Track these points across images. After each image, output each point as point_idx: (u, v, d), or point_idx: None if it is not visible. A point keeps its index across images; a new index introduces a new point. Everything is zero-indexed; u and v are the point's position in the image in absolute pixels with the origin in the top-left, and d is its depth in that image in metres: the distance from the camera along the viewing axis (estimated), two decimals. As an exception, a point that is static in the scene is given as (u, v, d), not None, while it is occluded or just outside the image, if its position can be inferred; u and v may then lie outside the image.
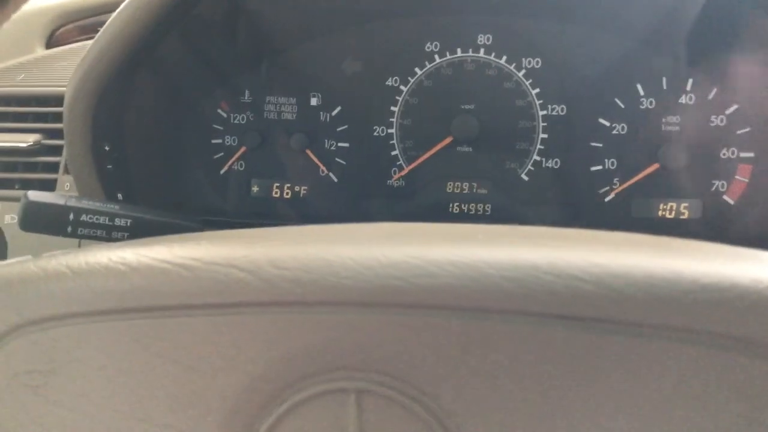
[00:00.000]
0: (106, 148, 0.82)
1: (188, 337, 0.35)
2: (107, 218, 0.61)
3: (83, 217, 0.60)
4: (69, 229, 0.59)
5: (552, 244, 0.38)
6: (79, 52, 0.83)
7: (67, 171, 0.93)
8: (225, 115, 0.98)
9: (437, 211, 0.94)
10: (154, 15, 0.74)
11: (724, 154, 0.88)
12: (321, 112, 0.97)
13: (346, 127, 0.96)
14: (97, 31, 0.76)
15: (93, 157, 0.80)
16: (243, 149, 0.97)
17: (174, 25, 0.80)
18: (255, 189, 0.98)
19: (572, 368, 0.34)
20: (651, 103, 0.89)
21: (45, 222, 0.58)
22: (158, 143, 0.95)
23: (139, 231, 0.62)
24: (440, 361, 0.34)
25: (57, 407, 0.37)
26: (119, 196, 0.84)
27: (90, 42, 0.77)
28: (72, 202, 0.59)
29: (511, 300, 0.34)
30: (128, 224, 0.62)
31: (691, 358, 0.34)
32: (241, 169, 0.98)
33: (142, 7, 0.73)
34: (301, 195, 0.98)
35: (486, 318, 0.34)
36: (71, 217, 0.59)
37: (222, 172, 0.99)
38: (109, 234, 0.61)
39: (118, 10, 0.74)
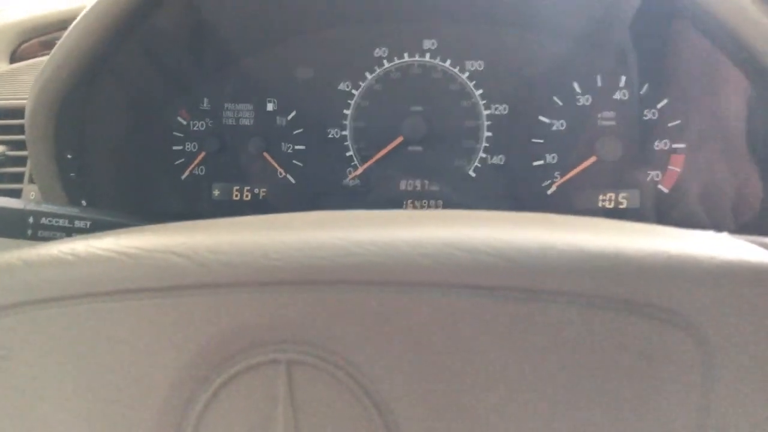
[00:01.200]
0: (69, 157, 0.85)
1: (132, 320, 0.38)
2: (67, 221, 0.64)
3: (43, 220, 0.62)
4: (29, 232, 0.62)
5: (465, 224, 0.43)
6: (42, 66, 0.85)
7: (32, 180, 0.96)
8: (185, 122, 1.02)
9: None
10: (109, 26, 0.76)
11: (657, 146, 0.93)
12: (277, 117, 1.00)
13: (301, 130, 1.00)
14: (59, 46, 0.79)
15: (56, 165, 0.82)
16: (203, 154, 1.00)
17: (130, 36, 0.82)
18: (216, 192, 1.02)
19: (480, 333, 0.38)
20: (587, 99, 0.94)
21: (4, 226, 0.61)
22: (120, 151, 0.98)
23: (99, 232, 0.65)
24: (363, 331, 0.38)
25: (11, 391, 0.40)
26: (83, 203, 0.87)
27: (50, 55, 0.79)
28: (31, 206, 0.62)
29: (425, 273, 0.38)
30: (88, 226, 0.65)
31: (585, 320, 0.38)
32: (202, 173, 1.02)
33: (97, 19, 0.76)
34: (261, 197, 1.01)
35: (404, 291, 0.38)
36: (31, 220, 0.62)
37: (183, 177, 1.02)
38: (69, 236, 0.64)
39: (74, 23, 0.77)
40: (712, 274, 0.38)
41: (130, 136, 0.99)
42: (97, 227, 0.66)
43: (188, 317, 0.38)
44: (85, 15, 0.76)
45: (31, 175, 0.95)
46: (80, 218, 0.65)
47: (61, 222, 0.64)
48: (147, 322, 0.38)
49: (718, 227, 0.44)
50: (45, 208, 0.64)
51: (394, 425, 0.38)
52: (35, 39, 1.26)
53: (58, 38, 0.79)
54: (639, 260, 0.38)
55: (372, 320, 0.38)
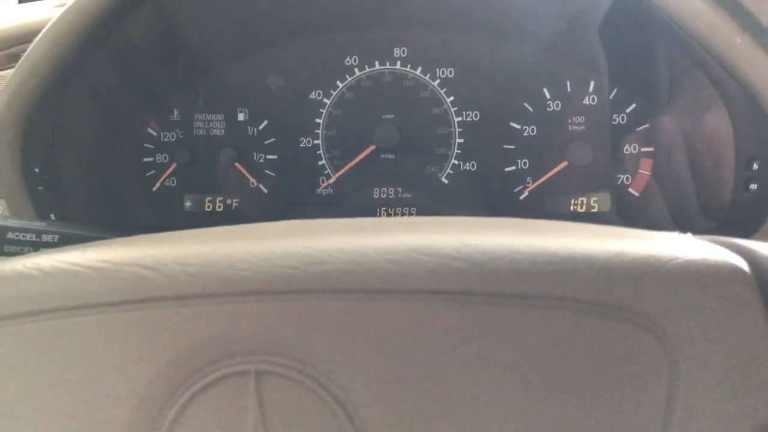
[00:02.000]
0: (37, 170, 0.84)
1: (100, 333, 0.38)
2: (34, 235, 0.63)
3: (9, 235, 0.61)
4: (-5, 247, 0.61)
5: (433, 230, 0.43)
6: (7, 79, 0.84)
7: (-1, 195, 0.95)
8: (155, 133, 1.01)
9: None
10: (77, 37, 0.76)
11: (627, 150, 0.94)
12: (249, 127, 1.00)
13: (273, 140, 1.00)
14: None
15: (23, 179, 0.81)
16: (174, 166, 1.00)
17: (99, 47, 0.82)
18: (188, 204, 1.01)
19: (449, 338, 0.38)
20: (557, 105, 0.95)
21: (-30, 241, 0.60)
22: (89, 163, 0.97)
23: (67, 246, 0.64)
24: (332, 340, 0.38)
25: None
26: (52, 216, 0.86)
27: (17, 68, 0.78)
28: (-3, 221, 0.61)
29: (393, 280, 0.38)
30: (56, 240, 0.64)
31: (551, 322, 0.38)
32: (173, 185, 1.01)
33: (64, 30, 0.75)
34: (234, 207, 1.01)
35: (371, 298, 0.38)
36: (-3, 235, 0.61)
37: (154, 189, 1.01)
38: (36, 251, 0.63)
39: (41, 34, 0.76)
40: (675, 274, 0.38)
41: (100, 149, 0.98)
42: (65, 241, 0.65)
43: (156, 330, 0.38)
44: (51, 26, 0.76)
45: (-2, 189, 0.94)
46: (48, 232, 0.64)
47: (28, 236, 0.63)
48: (115, 336, 0.38)
49: (687, 229, 0.45)
50: (11, 222, 0.62)
51: (363, 431, 0.38)
52: (1, 52, 1.24)
53: (24, 51, 0.78)
54: (603, 262, 0.38)
55: (340, 328, 0.38)
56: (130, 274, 0.38)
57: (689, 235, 0.44)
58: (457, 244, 0.39)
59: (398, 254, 0.39)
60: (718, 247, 0.40)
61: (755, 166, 0.77)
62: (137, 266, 0.38)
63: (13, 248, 0.62)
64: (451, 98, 0.97)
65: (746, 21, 0.65)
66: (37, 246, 0.63)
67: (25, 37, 1.20)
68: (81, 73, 0.83)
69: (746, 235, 0.75)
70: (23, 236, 0.63)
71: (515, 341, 0.38)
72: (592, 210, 0.95)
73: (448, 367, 0.38)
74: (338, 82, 0.99)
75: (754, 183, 0.78)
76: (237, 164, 0.99)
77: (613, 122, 0.94)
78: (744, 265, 0.39)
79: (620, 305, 0.38)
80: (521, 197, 0.96)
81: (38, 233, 0.64)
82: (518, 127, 0.96)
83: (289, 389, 0.38)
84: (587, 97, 0.95)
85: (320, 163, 1.00)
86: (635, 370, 0.38)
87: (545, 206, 0.96)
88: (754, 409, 0.38)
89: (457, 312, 0.38)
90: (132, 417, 0.38)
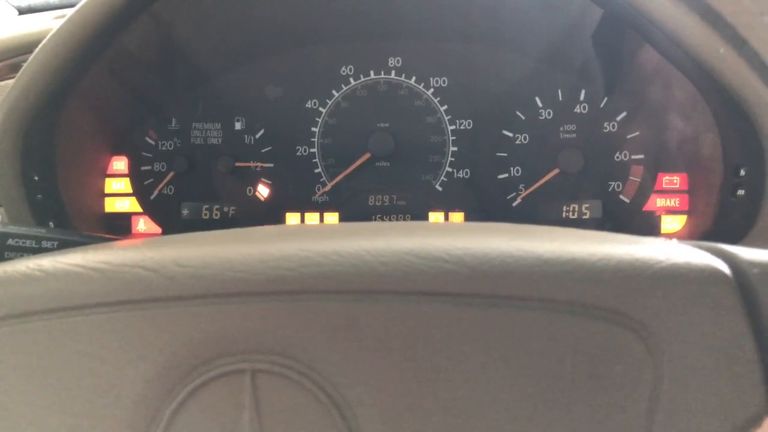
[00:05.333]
0: (36, 178, 0.85)
1: (100, 333, 0.39)
2: (34, 241, 0.64)
3: (9, 242, 0.62)
4: (-4, 253, 0.62)
5: (426, 234, 0.44)
6: (8, 89, 0.85)
7: (-2, 203, 0.95)
8: (153, 142, 1.02)
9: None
10: (76, 48, 0.77)
11: (617, 157, 0.96)
12: (246, 136, 1.02)
13: (270, 148, 1.01)
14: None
15: (23, 187, 0.82)
16: (171, 174, 1.01)
17: (98, 57, 0.83)
18: (185, 212, 1.02)
19: (441, 338, 0.39)
20: (549, 113, 0.97)
21: (-30, 248, 0.61)
22: (87, 172, 0.98)
23: (66, 252, 0.65)
24: (327, 340, 0.39)
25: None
26: (51, 224, 0.87)
27: (17, 78, 0.79)
28: (-2, 227, 0.62)
29: (386, 281, 0.39)
30: (55, 246, 0.65)
31: (540, 324, 0.39)
32: (171, 193, 1.02)
33: (64, 41, 0.76)
34: (230, 215, 1.02)
35: (366, 299, 0.39)
36: (-3, 241, 0.62)
37: (152, 197, 1.02)
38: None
39: (40, 45, 0.77)
40: (659, 277, 0.39)
41: (98, 157, 1.00)
42: (64, 247, 0.66)
43: (155, 329, 0.39)
44: (51, 37, 0.77)
45: (-3, 198, 0.94)
46: (47, 239, 0.65)
47: (28, 243, 0.64)
48: (115, 335, 0.39)
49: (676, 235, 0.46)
50: (11, 229, 0.63)
51: (357, 430, 0.39)
52: (2, 62, 1.25)
53: (24, 61, 0.79)
54: (590, 265, 0.39)
55: (336, 328, 0.39)
56: (130, 275, 0.39)
57: (674, 240, 0.45)
58: (449, 247, 0.40)
59: (392, 256, 0.40)
60: (701, 251, 0.42)
61: (742, 173, 0.78)
62: (137, 267, 0.39)
63: (13, 254, 0.63)
64: (445, 107, 0.99)
65: (728, 33, 0.66)
66: (37, 252, 0.64)
67: (26, 47, 1.21)
68: (80, 83, 0.84)
69: (735, 240, 0.76)
70: (23, 243, 0.64)
71: (504, 342, 0.39)
72: (584, 216, 0.97)
73: (440, 366, 0.39)
74: (334, 92, 1.01)
75: (741, 189, 0.79)
76: (234, 172, 1.00)
77: (604, 130, 0.96)
78: (725, 269, 0.40)
79: (606, 307, 0.39)
80: (514, 204, 0.98)
81: (38, 240, 0.65)
82: (511, 135, 0.98)
83: (285, 388, 0.39)
84: (578, 106, 0.96)
85: (316, 171, 1.01)
86: (620, 370, 0.39)
87: (538, 213, 0.97)
88: (735, 408, 0.39)
89: (448, 313, 0.39)
90: (130, 415, 0.39)
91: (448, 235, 0.43)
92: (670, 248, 0.42)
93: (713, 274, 0.40)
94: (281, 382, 0.39)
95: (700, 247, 0.43)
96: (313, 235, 0.44)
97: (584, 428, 0.39)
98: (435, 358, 0.39)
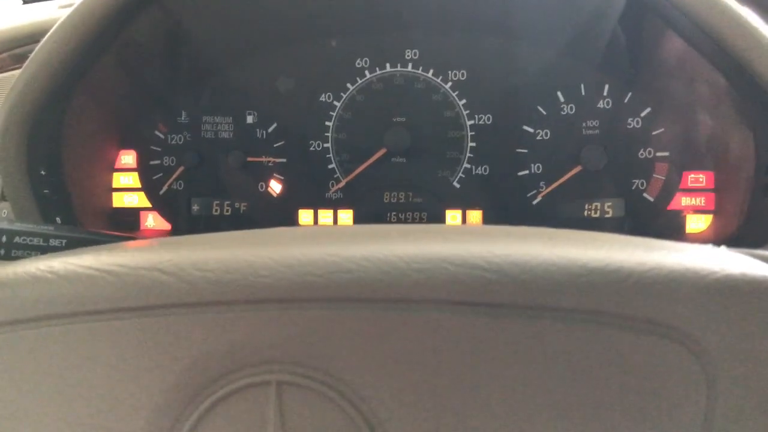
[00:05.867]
0: (43, 173, 0.83)
1: (115, 340, 0.37)
2: (41, 239, 0.61)
3: (17, 239, 0.60)
4: (2, 251, 0.59)
5: (460, 239, 0.41)
6: (13, 80, 0.83)
7: (4, 198, 0.93)
8: (162, 136, 0.99)
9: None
10: (83, 38, 0.74)
11: (641, 154, 0.93)
12: (257, 130, 0.99)
13: (282, 143, 0.98)
14: (31, 59, 0.76)
15: (29, 182, 0.80)
16: (181, 169, 0.98)
17: (106, 48, 0.81)
18: (195, 208, 0.99)
19: (477, 350, 0.37)
20: (571, 108, 0.94)
21: (-24, 246, 0.59)
22: (95, 166, 0.96)
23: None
24: (356, 350, 0.37)
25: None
26: (57, 220, 0.85)
27: (22, 69, 0.77)
28: (3, 225, 0.60)
29: (421, 289, 0.37)
30: (63, 244, 0.62)
31: (586, 337, 0.37)
32: (180, 188, 1.00)
33: (71, 32, 0.74)
34: (242, 211, 0.99)
35: (397, 308, 0.37)
36: (4, 239, 0.59)
37: (161, 192, 0.99)
38: (44, 254, 0.62)
39: (47, 35, 0.75)
40: (713, 289, 0.37)
41: (106, 152, 0.97)
42: (72, 245, 0.64)
43: (174, 337, 0.36)
44: (58, 27, 0.74)
45: (2, 193, 0.92)
46: (55, 236, 0.63)
47: (36, 241, 0.61)
48: (130, 343, 0.37)
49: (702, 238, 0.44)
50: (18, 226, 0.61)
51: None
52: (6, 53, 1.23)
53: (30, 52, 0.77)
54: (639, 275, 0.37)
55: (365, 339, 0.37)
56: (147, 279, 0.37)
57: (723, 247, 0.42)
58: (487, 254, 0.38)
59: (426, 263, 0.37)
60: (757, 261, 0.39)
61: (776, 172, 0.76)
62: (155, 271, 0.37)
63: (20, 252, 0.61)
64: (464, 101, 0.96)
65: (763, 18, 0.63)
66: (45, 250, 0.62)
67: (30, 38, 1.19)
68: (87, 75, 0.82)
69: (764, 243, 0.74)
70: (30, 240, 0.61)
71: (546, 355, 0.37)
72: (606, 215, 0.94)
73: (476, 380, 0.37)
74: (348, 85, 0.98)
75: (774, 189, 0.76)
76: (245, 167, 0.98)
77: (628, 126, 0.93)
78: None
79: (657, 320, 0.37)
80: (534, 202, 0.95)
81: (45, 237, 0.62)
82: (531, 130, 0.95)
83: (311, 401, 0.37)
84: (602, 101, 0.93)
85: (330, 166, 0.98)
86: (672, 387, 0.37)
87: (558, 211, 0.95)
88: None
89: (486, 324, 0.37)
90: (147, 426, 0.37)
91: (484, 241, 0.40)
92: (722, 258, 0.39)
93: None
94: (307, 395, 0.37)
95: (754, 256, 0.40)
96: (340, 239, 0.41)
97: None
98: (471, 373, 0.37)
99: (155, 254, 0.38)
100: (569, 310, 0.37)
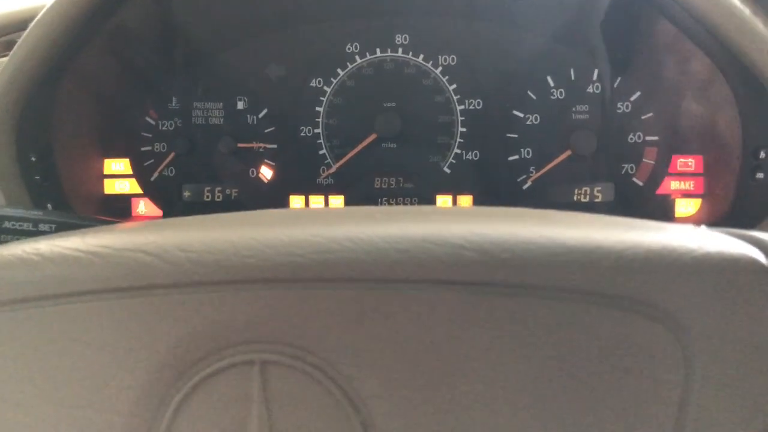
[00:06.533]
0: (33, 159, 0.83)
1: (101, 321, 0.37)
2: (31, 224, 0.62)
3: (6, 224, 0.60)
4: (-8, 236, 0.60)
5: (442, 219, 0.42)
6: (2, 67, 0.83)
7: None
8: (153, 122, 0.99)
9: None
10: (72, 24, 0.74)
11: (631, 139, 0.93)
12: (248, 115, 0.99)
13: (273, 128, 0.99)
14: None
15: (20, 168, 0.80)
16: (172, 155, 0.98)
17: (95, 34, 0.81)
18: (186, 194, 1.00)
19: (458, 329, 0.37)
20: (561, 93, 0.94)
21: (-34, 230, 0.59)
22: (86, 153, 0.96)
23: (64, 235, 0.63)
24: (339, 329, 0.37)
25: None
26: (49, 206, 0.85)
27: (12, 56, 0.77)
28: (-7, 210, 0.60)
29: (402, 269, 0.37)
30: (53, 229, 0.63)
31: (566, 314, 0.37)
32: (172, 174, 1.00)
33: (59, 18, 0.74)
34: (233, 197, 1.00)
35: (380, 287, 0.37)
36: (-7, 224, 0.60)
37: (152, 179, 1.00)
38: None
39: (34, 21, 0.75)
40: (691, 266, 0.37)
41: (97, 138, 0.97)
42: (62, 230, 0.64)
43: (159, 317, 0.37)
44: (45, 13, 0.74)
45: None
46: (45, 221, 0.63)
47: (25, 226, 0.62)
48: (116, 324, 0.37)
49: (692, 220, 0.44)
50: (7, 212, 0.61)
51: (371, 423, 0.37)
52: (-3, 39, 1.22)
53: (18, 39, 0.77)
54: (618, 253, 0.37)
55: (348, 318, 0.37)
56: (132, 260, 0.37)
57: (704, 227, 0.43)
58: (468, 234, 0.38)
59: (408, 243, 0.38)
60: (735, 240, 0.40)
61: (762, 155, 0.76)
62: (139, 252, 0.37)
63: (9, 237, 0.61)
64: (454, 86, 0.96)
65: (757, 6, 0.64)
66: (34, 235, 0.62)
67: (20, 24, 1.19)
68: (76, 61, 0.82)
69: (753, 224, 0.75)
70: (20, 225, 0.62)
71: (525, 333, 0.37)
72: (596, 200, 0.95)
73: (457, 357, 0.37)
74: (339, 70, 0.98)
75: (760, 172, 0.77)
76: (236, 153, 0.98)
77: (618, 111, 0.93)
78: (762, 258, 0.38)
79: (635, 298, 0.37)
80: (524, 187, 0.95)
81: (35, 222, 0.63)
82: (521, 115, 0.95)
83: (295, 380, 0.37)
84: (591, 86, 0.94)
85: (321, 152, 0.98)
86: (650, 364, 0.37)
87: (549, 196, 0.95)
88: None
89: (467, 302, 0.37)
90: (133, 406, 0.37)
91: (466, 221, 0.40)
92: (701, 236, 0.40)
93: (748, 264, 0.38)
94: (291, 374, 0.37)
95: (733, 235, 0.41)
96: (324, 220, 0.42)
97: (612, 422, 0.37)
98: (452, 350, 0.37)
99: (140, 236, 0.38)
100: (548, 288, 0.37)
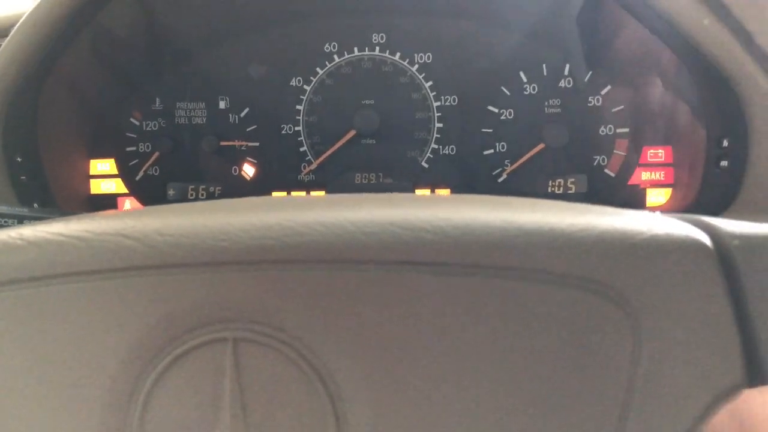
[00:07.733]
0: (19, 160, 0.84)
1: (81, 302, 0.39)
2: (16, 221, 0.64)
3: (-8, 221, 0.62)
4: (-23, 233, 0.61)
5: (410, 205, 0.44)
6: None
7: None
8: (137, 122, 1.01)
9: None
10: (54, 28, 0.76)
11: (602, 131, 0.96)
12: (230, 114, 1.01)
13: (255, 127, 1.01)
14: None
15: (5, 168, 0.82)
16: (156, 155, 1.00)
17: (77, 37, 0.82)
18: (171, 192, 1.02)
19: (422, 307, 0.39)
20: (534, 88, 0.97)
21: (-48, 228, 0.60)
22: (72, 153, 0.97)
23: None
24: (309, 309, 0.39)
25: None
26: (35, 205, 0.86)
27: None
28: (-22, 208, 0.62)
29: (369, 251, 0.39)
30: (38, 225, 0.65)
31: (521, 293, 0.39)
32: (156, 174, 1.02)
33: (41, 21, 0.75)
34: (216, 195, 1.02)
35: (348, 268, 0.39)
36: (-22, 222, 0.62)
37: (137, 178, 1.01)
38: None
39: (17, 26, 0.76)
40: (641, 248, 0.40)
41: (82, 139, 0.99)
42: (48, 226, 0.66)
43: (136, 298, 0.39)
44: (29, 15, 0.76)
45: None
46: (30, 218, 0.65)
47: (10, 222, 0.63)
48: (96, 303, 0.39)
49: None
50: (-7, 209, 0.63)
51: (339, 399, 0.39)
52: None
53: (0, 43, 0.78)
54: (570, 235, 0.40)
55: (318, 297, 0.39)
56: (112, 243, 0.39)
57: (658, 213, 0.45)
58: (431, 218, 0.40)
59: (375, 227, 0.40)
60: (683, 223, 0.42)
61: (725, 144, 0.79)
62: (120, 236, 0.39)
63: (-6, 233, 0.63)
64: (430, 83, 0.99)
65: (711, 2, 0.66)
66: (20, 230, 0.64)
67: (3, 31, 1.20)
68: (60, 63, 0.83)
69: (719, 212, 0.77)
70: (5, 222, 0.63)
71: (484, 310, 0.39)
72: (569, 191, 0.97)
73: (422, 335, 0.39)
74: (318, 69, 1.00)
75: (724, 160, 0.79)
76: (219, 152, 1.00)
77: (589, 104, 0.96)
78: (706, 240, 0.40)
79: (585, 277, 0.39)
80: (500, 180, 0.98)
81: (20, 219, 0.64)
82: (496, 110, 0.98)
83: (267, 357, 0.39)
84: (563, 80, 0.96)
85: (302, 149, 1.01)
86: (600, 339, 0.39)
87: (524, 188, 0.98)
88: (714, 380, 0.39)
89: (430, 282, 0.39)
90: (112, 383, 0.39)
91: (432, 207, 0.43)
92: (651, 220, 0.42)
93: (694, 246, 0.40)
94: (263, 351, 0.39)
95: (683, 219, 0.43)
96: (297, 206, 0.44)
97: (563, 397, 0.39)
98: (417, 327, 0.39)
99: (121, 222, 0.41)
100: (505, 268, 0.39)
